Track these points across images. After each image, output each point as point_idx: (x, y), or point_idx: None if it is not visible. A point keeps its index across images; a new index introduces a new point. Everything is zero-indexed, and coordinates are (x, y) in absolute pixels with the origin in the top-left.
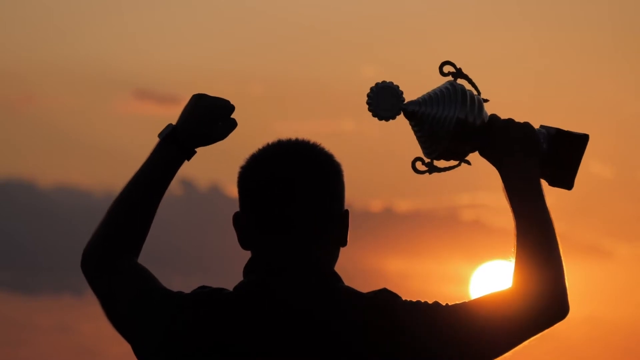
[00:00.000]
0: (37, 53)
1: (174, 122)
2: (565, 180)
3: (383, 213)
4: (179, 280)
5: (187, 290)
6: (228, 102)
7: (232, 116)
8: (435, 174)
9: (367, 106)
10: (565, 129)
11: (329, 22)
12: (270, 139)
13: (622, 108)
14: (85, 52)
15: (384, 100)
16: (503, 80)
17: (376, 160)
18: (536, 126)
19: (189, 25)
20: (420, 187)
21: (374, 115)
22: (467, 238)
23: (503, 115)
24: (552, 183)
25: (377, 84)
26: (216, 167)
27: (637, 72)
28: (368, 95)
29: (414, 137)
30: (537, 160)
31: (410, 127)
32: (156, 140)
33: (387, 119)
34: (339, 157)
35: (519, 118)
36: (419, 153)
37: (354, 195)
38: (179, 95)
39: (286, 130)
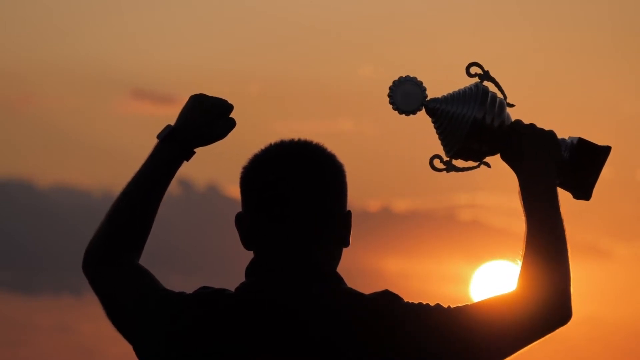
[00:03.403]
0: (37, 53)
1: (172, 123)
2: (583, 190)
3: (381, 213)
4: (177, 279)
5: (187, 290)
6: (226, 101)
7: (231, 115)
8: (452, 173)
9: (387, 99)
10: (568, 133)
11: (328, 22)
12: (269, 139)
13: (622, 108)
14: (85, 52)
15: (406, 95)
16: (503, 81)
17: (374, 160)
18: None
19: (189, 25)
20: (419, 187)
21: (394, 109)
22: (466, 238)
23: None
24: (570, 192)
25: (400, 78)
26: (214, 167)
27: (637, 72)
28: (390, 88)
29: (413, 138)
30: (556, 167)
31: (415, 126)
32: (155, 140)
33: (407, 114)
34: (337, 157)
35: (519, 118)
36: (419, 153)
37: (352, 195)
38: (177, 95)
39: (285, 130)
